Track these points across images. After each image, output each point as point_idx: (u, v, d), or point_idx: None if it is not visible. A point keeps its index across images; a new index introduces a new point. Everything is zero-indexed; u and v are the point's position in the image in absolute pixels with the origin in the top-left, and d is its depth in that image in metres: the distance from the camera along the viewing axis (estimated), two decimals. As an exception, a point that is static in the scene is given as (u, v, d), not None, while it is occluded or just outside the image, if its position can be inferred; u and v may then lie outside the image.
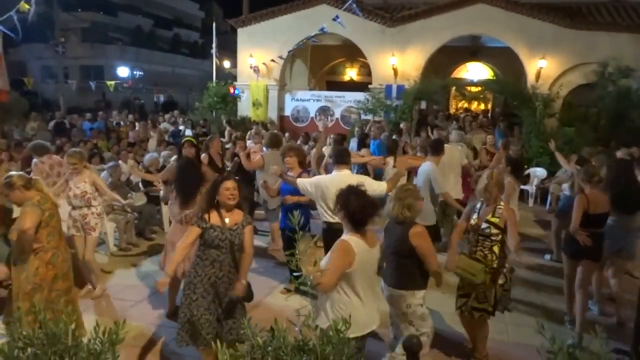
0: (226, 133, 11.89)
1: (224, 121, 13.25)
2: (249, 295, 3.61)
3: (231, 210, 3.53)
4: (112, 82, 19.48)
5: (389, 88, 13.48)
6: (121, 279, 5.89)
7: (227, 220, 3.50)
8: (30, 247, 3.70)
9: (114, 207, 6.77)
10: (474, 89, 18.65)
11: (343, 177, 4.42)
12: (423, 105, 14.16)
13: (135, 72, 37.41)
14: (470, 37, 14.00)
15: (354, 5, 9.02)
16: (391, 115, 13.01)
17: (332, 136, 9.25)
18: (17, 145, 8.63)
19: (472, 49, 16.34)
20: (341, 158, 4.78)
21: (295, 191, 4.92)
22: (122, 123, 15.35)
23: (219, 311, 3.53)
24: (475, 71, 18.13)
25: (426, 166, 5.89)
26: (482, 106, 19.81)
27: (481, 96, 19.27)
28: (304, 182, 4.73)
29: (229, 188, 3.47)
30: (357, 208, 2.95)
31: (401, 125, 11.02)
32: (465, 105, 19.87)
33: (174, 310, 4.64)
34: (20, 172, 4.00)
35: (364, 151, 8.61)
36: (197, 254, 3.59)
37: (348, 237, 2.96)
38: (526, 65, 12.82)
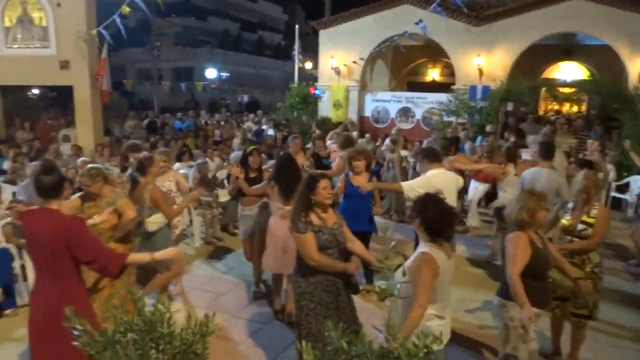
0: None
1: (313, 124, 13.39)
2: (354, 287, 3.60)
3: (327, 210, 3.44)
4: (201, 83, 20.51)
5: (473, 89, 13.01)
6: (206, 272, 6.20)
7: (327, 220, 3.40)
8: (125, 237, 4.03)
9: (201, 203, 7.13)
10: (566, 89, 17.48)
11: (447, 174, 4.77)
12: (510, 107, 13.52)
13: (222, 74, 39.13)
14: (563, 35, 13.14)
15: (437, 6, 8.78)
16: (475, 117, 12.55)
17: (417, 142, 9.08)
18: (117, 142, 9.36)
19: (566, 48, 15.32)
20: (436, 156, 4.88)
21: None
22: (209, 122, 16.11)
23: (339, 314, 3.40)
24: (569, 71, 16.97)
25: (538, 172, 5.26)
26: (575, 108, 18.51)
27: (575, 98, 18.02)
28: (411, 185, 4.62)
29: (325, 187, 3.36)
30: (435, 216, 2.84)
31: (487, 128, 10.59)
32: (556, 107, 18.69)
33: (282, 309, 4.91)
34: (100, 166, 4.23)
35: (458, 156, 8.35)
36: (299, 262, 3.45)
37: (428, 248, 2.85)
38: (628, 64, 11.80)
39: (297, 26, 16.74)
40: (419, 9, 12.80)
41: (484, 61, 13.05)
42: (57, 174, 2.83)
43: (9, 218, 5.00)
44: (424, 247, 2.88)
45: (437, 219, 2.84)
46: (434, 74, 18.57)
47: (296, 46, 16.66)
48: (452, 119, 12.70)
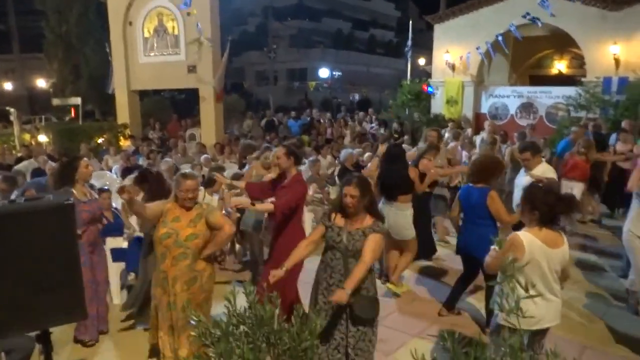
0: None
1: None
2: (364, 310, 3.20)
3: (356, 216, 3.30)
4: (313, 83, 21.01)
5: (607, 81, 11.69)
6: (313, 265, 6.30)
7: (352, 224, 3.31)
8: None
9: (313, 199, 7.28)
10: None
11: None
12: (653, 100, 11.94)
13: (334, 73, 39.85)
14: None
15: None
16: (610, 112, 11.28)
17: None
18: (236, 140, 9.94)
19: None
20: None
21: None
22: (321, 120, 16.45)
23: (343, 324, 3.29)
24: None
25: None
26: None
27: None
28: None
29: (346, 194, 3.25)
30: (545, 206, 2.98)
31: (623, 124, 9.45)
32: None
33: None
34: (195, 173, 4.09)
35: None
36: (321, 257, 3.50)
37: (523, 232, 3.02)
38: None
39: (410, 21, 16.43)
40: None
41: (622, 50, 11.68)
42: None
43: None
44: (523, 230, 3.07)
45: (548, 207, 2.98)
46: (560, 66, 17.05)
47: (409, 42, 16.35)
48: (582, 114, 11.56)
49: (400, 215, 5.15)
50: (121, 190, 3.30)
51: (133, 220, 5.56)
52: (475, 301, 5.00)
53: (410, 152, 6.59)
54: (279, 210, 4.10)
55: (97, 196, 4.52)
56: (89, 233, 4.20)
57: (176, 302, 3.55)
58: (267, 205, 4.26)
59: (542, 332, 3.09)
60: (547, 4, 10.53)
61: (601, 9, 11.87)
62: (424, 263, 6.19)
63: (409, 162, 5.57)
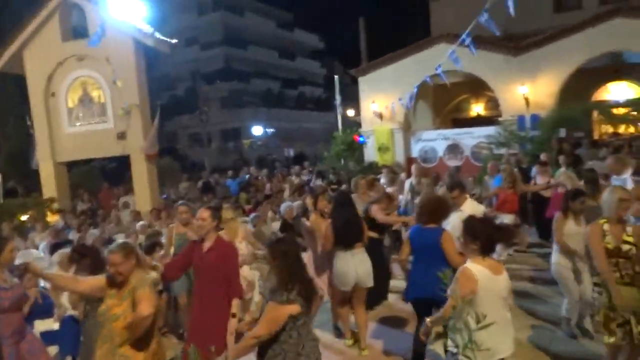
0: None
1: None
2: None
3: None
4: (248, 141, 21.15)
5: (521, 119, 12.71)
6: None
7: None
8: (141, 336, 3.26)
9: (257, 257, 7.14)
10: (621, 110, 16.75)
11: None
12: (562, 133, 13.05)
13: (267, 130, 40.39)
14: (608, 55, 12.76)
15: (469, 42, 8.69)
16: (527, 146, 12.17)
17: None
18: (173, 204, 9.68)
19: (614, 68, 14.82)
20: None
21: None
22: (259, 177, 16.46)
23: None
24: (619, 91, 16.32)
25: None
26: (633, 129, 17.63)
27: (631, 118, 17.20)
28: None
29: None
30: (484, 235, 3.13)
31: (541, 157, 10.21)
32: (611, 129, 17.86)
33: None
34: (131, 243, 3.72)
35: None
36: None
37: (470, 263, 3.13)
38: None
39: (336, 77, 17.16)
40: (455, 46, 12.80)
41: (530, 90, 12.80)
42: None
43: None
44: (467, 263, 3.17)
45: (486, 238, 3.14)
46: (477, 108, 18.34)
47: (337, 96, 17.01)
48: (503, 150, 12.38)
49: (366, 262, 4.98)
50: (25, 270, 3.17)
51: (64, 298, 5.18)
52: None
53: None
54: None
55: (17, 280, 3.99)
56: (8, 322, 3.69)
57: None
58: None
59: None
60: (455, 56, 11.23)
61: (506, 55, 13.05)
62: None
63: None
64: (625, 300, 3.51)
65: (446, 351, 4.09)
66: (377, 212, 5.89)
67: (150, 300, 3.22)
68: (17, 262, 4.36)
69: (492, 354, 2.98)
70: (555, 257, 4.93)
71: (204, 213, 4.26)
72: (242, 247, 5.47)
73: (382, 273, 5.84)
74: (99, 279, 3.47)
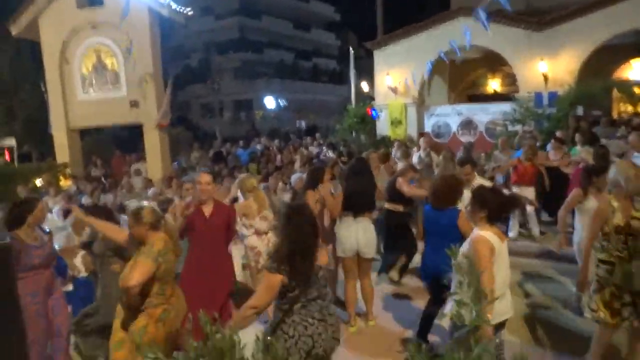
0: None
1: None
2: None
3: None
4: (260, 112, 21.04)
5: (538, 96, 12.45)
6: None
7: None
8: (135, 303, 3.24)
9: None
10: (642, 89, 16.33)
11: None
12: (580, 111, 12.78)
13: (280, 102, 40.16)
14: (634, 32, 12.36)
15: (484, 17, 8.31)
16: (544, 124, 11.96)
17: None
18: (183, 172, 9.73)
19: (638, 46, 14.38)
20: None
21: None
22: (270, 148, 16.45)
23: None
24: (643, 69, 15.90)
25: None
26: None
27: (653, 97, 16.76)
28: None
29: None
30: (493, 203, 3.18)
31: (557, 134, 10.03)
32: (630, 108, 17.44)
33: None
34: (154, 209, 3.55)
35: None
36: None
37: (480, 231, 3.15)
38: None
39: (351, 50, 16.91)
40: (472, 21, 12.49)
41: (549, 66, 12.50)
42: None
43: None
44: (479, 231, 3.18)
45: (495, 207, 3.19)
46: (494, 84, 18.00)
47: (351, 68, 16.79)
48: (518, 127, 12.18)
49: (369, 231, 4.91)
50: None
51: (78, 260, 5.27)
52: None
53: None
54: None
55: (46, 239, 4.19)
56: (40, 278, 3.88)
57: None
58: None
59: (501, 326, 3.22)
60: (475, 32, 10.83)
61: (527, 30, 12.70)
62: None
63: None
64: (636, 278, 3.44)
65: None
66: (402, 185, 5.86)
67: (139, 270, 3.12)
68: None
69: (500, 316, 3.10)
70: (578, 236, 4.78)
71: (207, 177, 4.21)
72: (269, 215, 5.38)
73: (407, 246, 5.95)
74: (120, 229, 3.84)
